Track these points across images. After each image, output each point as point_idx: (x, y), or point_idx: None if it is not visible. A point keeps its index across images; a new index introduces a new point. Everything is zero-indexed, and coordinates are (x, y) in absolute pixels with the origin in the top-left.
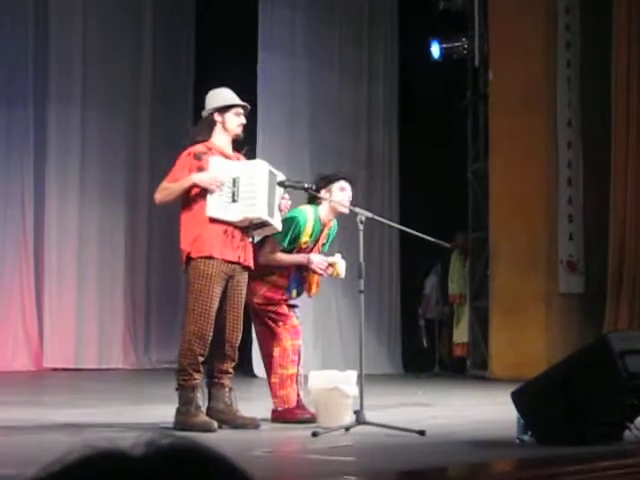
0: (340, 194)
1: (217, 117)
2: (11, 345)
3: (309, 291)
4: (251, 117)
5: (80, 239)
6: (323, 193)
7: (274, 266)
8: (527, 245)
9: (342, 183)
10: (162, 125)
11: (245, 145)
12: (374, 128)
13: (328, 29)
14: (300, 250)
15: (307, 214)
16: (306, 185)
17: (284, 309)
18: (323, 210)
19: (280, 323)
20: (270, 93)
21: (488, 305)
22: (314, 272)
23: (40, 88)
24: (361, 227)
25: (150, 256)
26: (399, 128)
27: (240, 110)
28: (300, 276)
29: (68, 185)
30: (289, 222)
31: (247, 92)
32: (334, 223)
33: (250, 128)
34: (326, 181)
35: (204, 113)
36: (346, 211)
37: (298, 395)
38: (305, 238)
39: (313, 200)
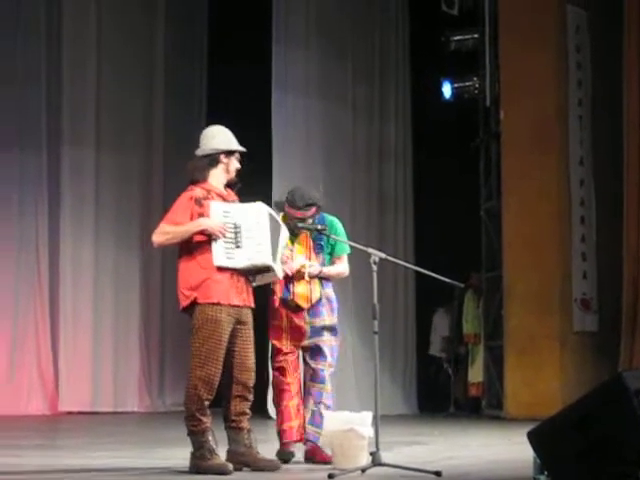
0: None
1: (224, 159)
2: (26, 389)
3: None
4: (266, 156)
5: (95, 283)
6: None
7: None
8: (541, 284)
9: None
10: (175, 171)
11: (236, 185)
12: (387, 166)
13: (341, 69)
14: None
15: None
16: (319, 227)
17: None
18: None
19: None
20: (285, 132)
21: (503, 344)
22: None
23: (53, 133)
24: (375, 268)
25: (164, 300)
26: (413, 166)
27: (238, 156)
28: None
29: (83, 229)
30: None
31: (261, 128)
32: (328, 222)
33: (265, 166)
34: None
35: (204, 151)
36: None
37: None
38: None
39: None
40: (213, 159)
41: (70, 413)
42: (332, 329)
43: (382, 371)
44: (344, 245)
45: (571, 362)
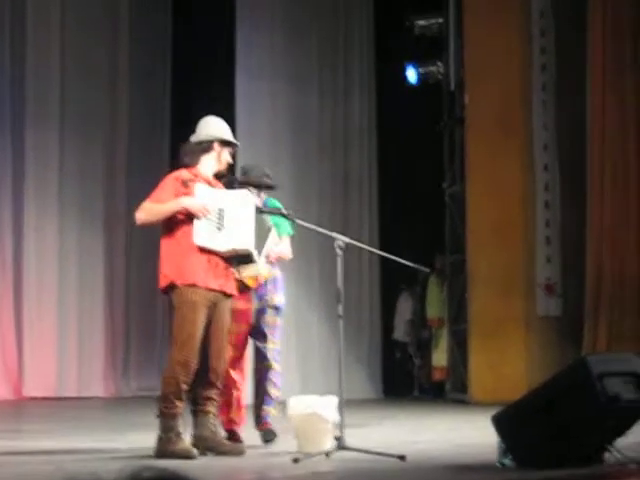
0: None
1: (217, 147)
2: None
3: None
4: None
5: (60, 264)
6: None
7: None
8: (505, 268)
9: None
10: (139, 150)
11: (224, 177)
12: (351, 150)
13: (306, 53)
14: None
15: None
16: (284, 211)
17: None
18: None
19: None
20: (250, 118)
21: (467, 328)
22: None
23: (18, 114)
24: (340, 252)
25: (129, 281)
26: (377, 150)
27: (232, 150)
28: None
29: (46, 210)
30: None
31: (225, 116)
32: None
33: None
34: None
35: (199, 137)
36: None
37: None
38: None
39: None
40: (207, 145)
41: (34, 398)
42: (277, 309)
43: (347, 355)
44: (287, 226)
45: (536, 345)
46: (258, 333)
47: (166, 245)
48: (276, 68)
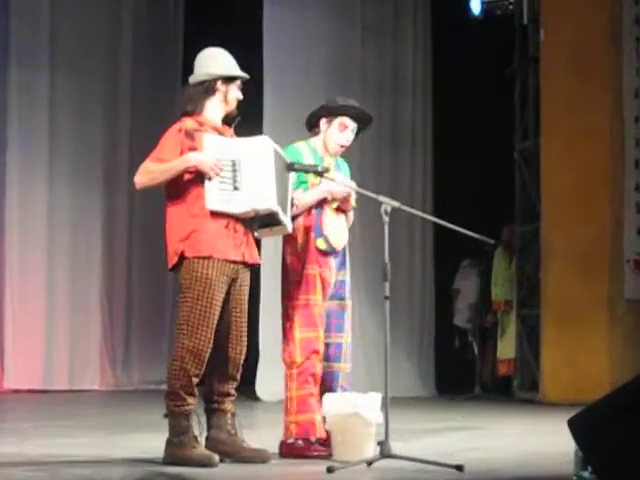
0: (338, 134)
1: (221, 86)
2: None
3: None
4: (256, 83)
5: (48, 235)
6: (322, 123)
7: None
8: (586, 241)
9: (345, 120)
10: (146, 92)
11: (235, 118)
12: (402, 98)
13: None
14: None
15: (299, 147)
16: (319, 168)
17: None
18: (317, 144)
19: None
20: (279, 54)
21: (539, 314)
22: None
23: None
24: (386, 219)
25: (131, 255)
26: (433, 98)
27: (239, 83)
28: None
29: (34, 169)
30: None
31: (250, 52)
32: (341, 161)
33: (256, 96)
34: (327, 110)
35: (198, 77)
36: (335, 153)
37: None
38: (312, 178)
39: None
40: (209, 86)
41: (17, 391)
42: (347, 287)
43: (394, 344)
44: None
45: (622, 336)
46: (331, 319)
47: (173, 212)
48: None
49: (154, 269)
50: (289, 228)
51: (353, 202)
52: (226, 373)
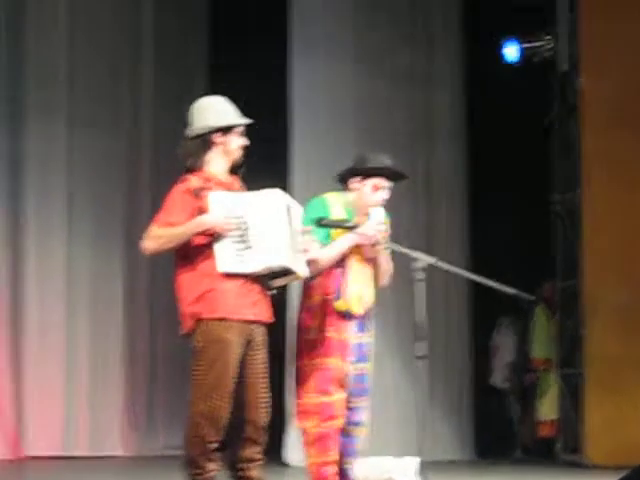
0: (372, 193)
1: (218, 139)
2: None
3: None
4: (282, 134)
5: (68, 295)
6: (355, 182)
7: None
8: (631, 297)
9: (380, 181)
10: (167, 142)
11: (241, 167)
12: (435, 149)
13: (377, 27)
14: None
15: (329, 200)
16: (350, 224)
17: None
18: (350, 198)
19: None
20: (307, 104)
21: (582, 373)
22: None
23: (17, 100)
24: (421, 276)
25: (153, 316)
26: (467, 148)
27: (242, 129)
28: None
29: (52, 229)
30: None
31: (278, 103)
32: (381, 211)
33: (283, 146)
34: (362, 171)
35: (196, 131)
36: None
37: None
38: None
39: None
40: (205, 140)
41: (37, 458)
42: (371, 349)
43: (430, 405)
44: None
45: None
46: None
47: (185, 274)
48: (339, 44)
49: (177, 330)
50: (302, 274)
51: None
52: (249, 438)
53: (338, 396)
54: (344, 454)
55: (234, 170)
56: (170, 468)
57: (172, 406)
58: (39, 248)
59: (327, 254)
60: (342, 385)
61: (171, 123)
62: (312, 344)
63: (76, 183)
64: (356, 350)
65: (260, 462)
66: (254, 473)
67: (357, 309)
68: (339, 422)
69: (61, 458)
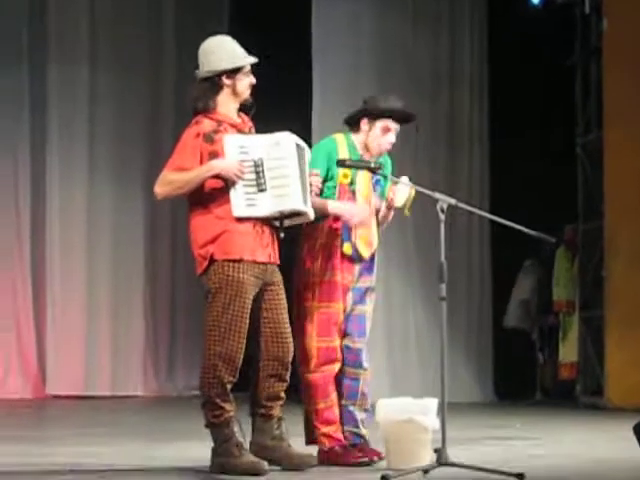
0: (381, 136)
1: (226, 80)
2: (1, 369)
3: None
4: (305, 75)
5: (89, 238)
6: (363, 123)
7: None
8: None
9: (389, 122)
10: (189, 84)
11: (252, 107)
12: (458, 90)
13: None
14: (342, 191)
15: (336, 140)
16: (372, 165)
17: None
18: (358, 140)
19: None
20: (327, 45)
21: (603, 314)
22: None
23: (39, 44)
24: (442, 217)
25: (175, 258)
26: (489, 90)
27: (249, 68)
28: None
29: (74, 171)
30: (316, 149)
31: (299, 46)
32: (385, 159)
33: (303, 90)
34: (372, 111)
35: (203, 73)
36: (378, 154)
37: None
38: (343, 170)
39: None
40: (214, 83)
41: (58, 397)
42: (373, 291)
43: (451, 347)
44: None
45: None
46: (352, 325)
47: (198, 217)
48: None
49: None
50: (311, 215)
51: (400, 202)
52: (275, 374)
53: (338, 341)
54: (348, 397)
55: (244, 109)
56: (189, 408)
57: (192, 348)
58: (61, 190)
59: (331, 207)
60: (341, 329)
61: (193, 62)
62: (317, 288)
63: (98, 124)
64: (356, 292)
65: (283, 400)
66: (276, 411)
67: (365, 252)
68: (337, 366)
69: (82, 398)
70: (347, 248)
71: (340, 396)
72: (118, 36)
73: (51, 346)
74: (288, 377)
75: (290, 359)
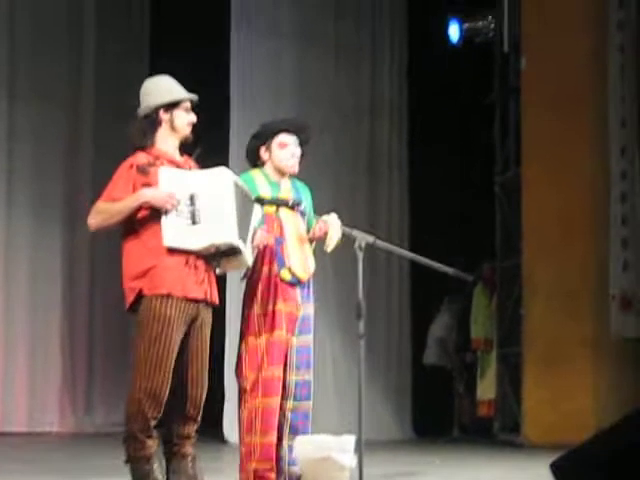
0: (280, 152)
1: (163, 115)
2: None
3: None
4: (224, 112)
5: (6, 270)
6: (262, 152)
7: None
8: (570, 276)
9: (282, 137)
10: (108, 119)
11: (195, 147)
12: (378, 125)
13: (319, 1)
14: (269, 220)
15: (253, 175)
16: (290, 202)
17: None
18: (269, 170)
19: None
20: (247, 81)
21: (521, 352)
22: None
23: None
24: (360, 255)
25: (93, 292)
26: (409, 126)
27: (189, 105)
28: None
29: None
30: None
31: (218, 80)
32: (301, 185)
33: (222, 125)
34: (262, 137)
35: (143, 111)
36: (291, 170)
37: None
38: (267, 199)
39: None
40: (152, 119)
41: None
42: (312, 321)
43: (369, 384)
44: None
45: (607, 376)
46: (299, 355)
47: (130, 249)
48: (281, 21)
49: (117, 307)
50: (249, 261)
51: (331, 247)
52: (186, 414)
53: (279, 372)
54: (291, 431)
55: (187, 150)
56: (107, 445)
57: (111, 383)
58: None
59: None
60: (284, 359)
61: (111, 99)
62: (261, 317)
63: (16, 159)
64: (300, 322)
65: (194, 439)
66: (188, 449)
67: (301, 274)
68: (277, 399)
69: None
70: (284, 273)
71: (281, 432)
72: (37, 69)
73: None
74: (199, 418)
75: (202, 401)
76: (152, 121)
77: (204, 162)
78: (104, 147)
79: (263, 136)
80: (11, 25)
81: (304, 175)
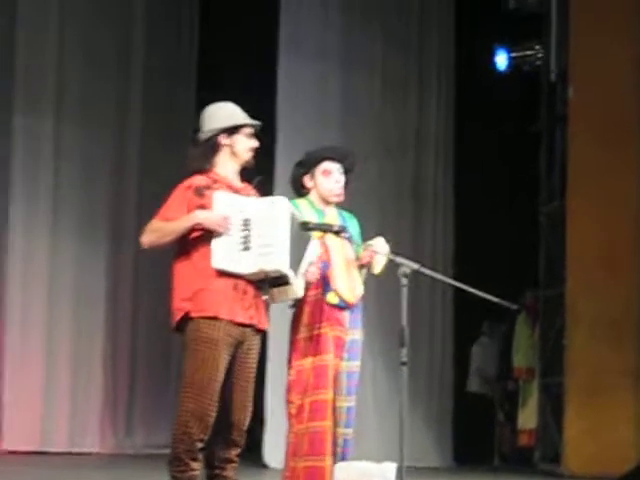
0: (325, 180)
1: (224, 140)
2: None
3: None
4: (269, 138)
5: (50, 292)
6: (306, 181)
7: None
8: (614, 306)
9: (325, 165)
10: (156, 144)
11: (258, 175)
12: (423, 153)
13: (368, 29)
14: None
15: (298, 203)
16: (335, 228)
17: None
18: (314, 198)
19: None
20: (294, 106)
21: (563, 382)
22: None
23: (4, 94)
24: (405, 282)
25: (136, 315)
26: (455, 156)
27: (251, 130)
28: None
29: (36, 224)
30: None
31: (264, 105)
32: (348, 216)
33: (268, 151)
34: (306, 165)
35: (204, 135)
36: (336, 198)
37: None
38: (312, 224)
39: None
40: (212, 143)
41: (13, 453)
42: (359, 347)
43: (411, 411)
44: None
45: None
46: (347, 381)
47: (180, 270)
48: (329, 48)
49: (159, 328)
50: (299, 292)
51: (378, 270)
52: (229, 439)
53: (326, 395)
54: (342, 457)
55: (248, 176)
56: (146, 467)
57: (152, 405)
58: (24, 245)
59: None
60: (334, 383)
61: (158, 121)
62: (306, 342)
63: (62, 175)
64: (348, 347)
65: (236, 463)
66: (230, 473)
67: (349, 297)
68: (326, 424)
69: (39, 453)
70: (331, 297)
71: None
72: (85, 89)
73: (8, 400)
74: (243, 443)
75: (246, 426)
76: (212, 145)
77: (262, 190)
78: (150, 168)
79: (307, 164)
80: (60, 44)
81: (349, 203)
